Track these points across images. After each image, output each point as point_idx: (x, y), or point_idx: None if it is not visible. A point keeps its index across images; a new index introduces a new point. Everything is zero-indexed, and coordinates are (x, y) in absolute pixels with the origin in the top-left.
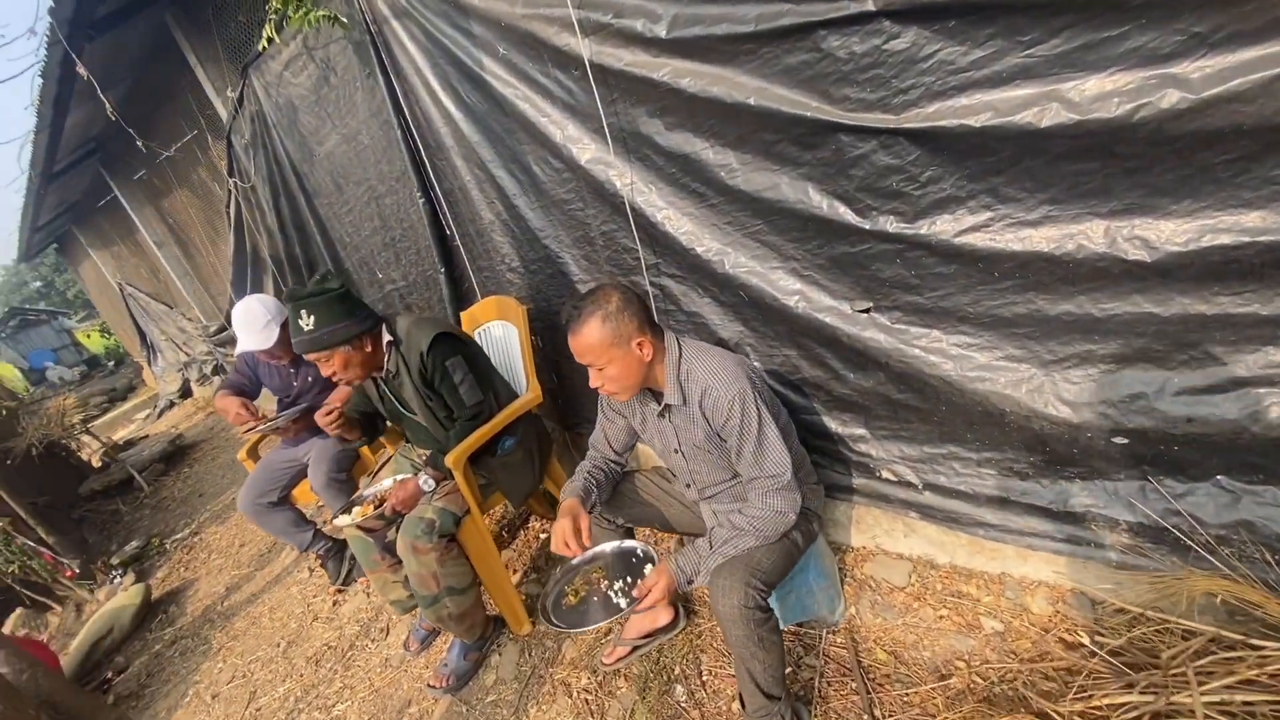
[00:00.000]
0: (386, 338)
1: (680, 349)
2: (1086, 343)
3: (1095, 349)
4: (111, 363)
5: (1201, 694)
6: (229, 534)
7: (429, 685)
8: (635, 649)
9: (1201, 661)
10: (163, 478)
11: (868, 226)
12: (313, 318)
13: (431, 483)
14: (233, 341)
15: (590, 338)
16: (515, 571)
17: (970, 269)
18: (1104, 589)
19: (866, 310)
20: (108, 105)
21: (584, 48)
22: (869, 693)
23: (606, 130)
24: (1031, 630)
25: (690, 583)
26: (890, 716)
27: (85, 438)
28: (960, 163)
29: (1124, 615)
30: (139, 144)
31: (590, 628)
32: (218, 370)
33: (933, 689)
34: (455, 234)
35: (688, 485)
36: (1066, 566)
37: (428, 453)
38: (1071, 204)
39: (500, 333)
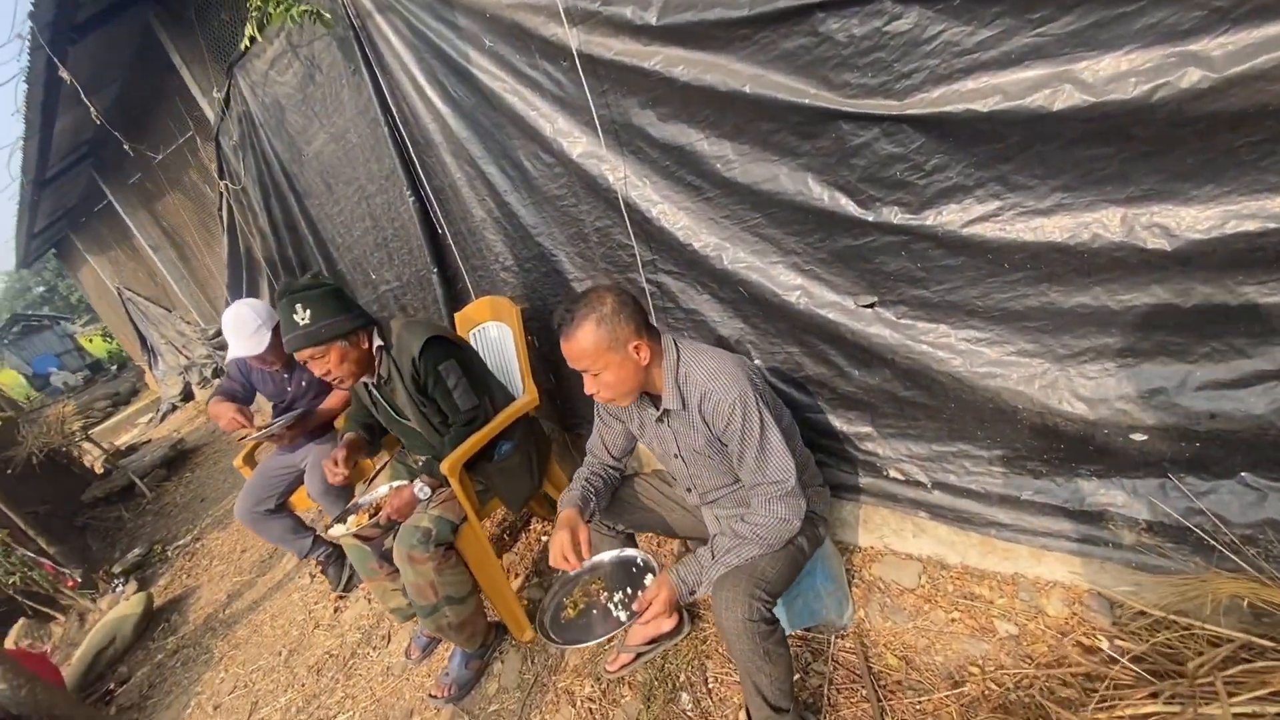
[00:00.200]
0: (378, 342)
1: (678, 351)
2: (1103, 336)
3: (1112, 342)
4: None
5: (1231, 706)
6: (231, 539)
7: (431, 695)
8: (639, 656)
9: (1230, 671)
10: (165, 483)
11: (871, 218)
12: (308, 311)
13: (427, 490)
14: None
15: (584, 342)
16: (517, 576)
17: (979, 261)
18: (1123, 590)
19: (871, 305)
20: (92, 110)
21: (572, 37)
22: (880, 700)
23: (598, 123)
24: (1047, 634)
25: (692, 594)
26: None
27: (87, 444)
28: (967, 149)
29: (1145, 618)
30: (127, 148)
31: (590, 643)
32: (218, 373)
33: (946, 696)
34: (447, 232)
35: (689, 490)
36: (1083, 567)
37: (423, 459)
38: (1085, 191)
39: (495, 334)
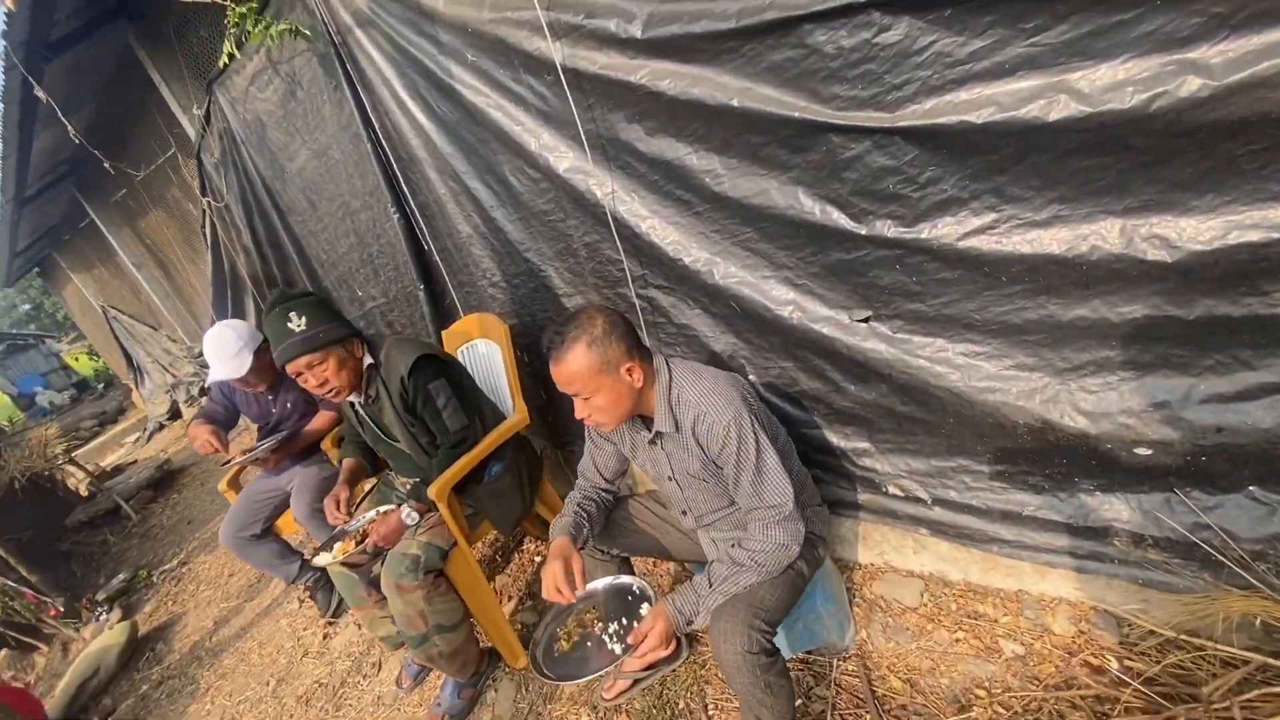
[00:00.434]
0: (368, 359)
1: (670, 372)
2: (1103, 349)
3: (1113, 355)
4: (101, 385)
5: None
6: (217, 563)
7: None
8: (636, 682)
9: (1247, 695)
10: (151, 505)
11: (864, 232)
12: (303, 318)
13: (415, 516)
14: None
15: (576, 365)
16: (509, 599)
17: (975, 274)
18: (1130, 608)
19: (865, 319)
20: (70, 128)
21: (556, 51)
22: None
23: (584, 137)
24: (1055, 653)
25: (689, 624)
26: None
27: (70, 467)
28: (961, 161)
29: (1155, 638)
30: (106, 166)
31: (584, 679)
32: (205, 392)
33: None
34: (433, 249)
35: (684, 513)
36: (1089, 584)
37: (410, 482)
38: (1083, 202)
39: (484, 351)
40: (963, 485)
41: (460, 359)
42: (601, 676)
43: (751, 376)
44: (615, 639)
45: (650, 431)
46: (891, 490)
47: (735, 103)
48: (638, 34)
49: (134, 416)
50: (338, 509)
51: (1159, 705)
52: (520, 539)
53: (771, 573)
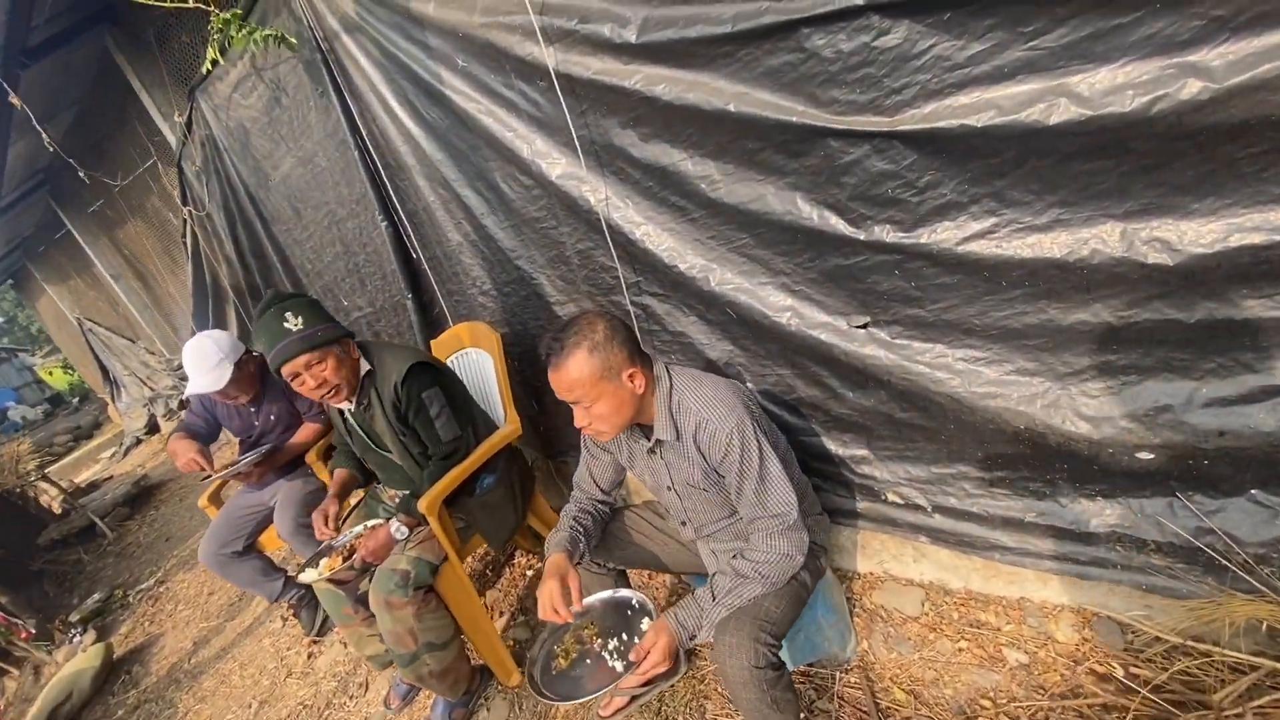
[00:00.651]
0: (366, 366)
1: (671, 378)
2: (1104, 353)
3: (1114, 359)
4: (76, 399)
5: None
6: (196, 581)
7: None
8: (634, 699)
9: (1259, 701)
10: (127, 522)
11: (862, 237)
12: (300, 318)
13: (405, 530)
14: None
15: (576, 372)
16: (501, 615)
17: (975, 278)
18: (1135, 615)
19: (864, 325)
20: (44, 135)
21: (549, 56)
22: None
23: (577, 143)
24: (1059, 661)
25: (692, 639)
26: None
27: (43, 484)
28: (961, 166)
29: (1161, 644)
30: (82, 175)
31: (585, 699)
32: (184, 405)
33: None
34: (422, 257)
35: (683, 524)
36: (1091, 591)
37: (399, 494)
38: (1083, 206)
39: (475, 360)
40: (963, 492)
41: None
42: (603, 695)
43: (748, 384)
44: (616, 655)
45: (649, 440)
46: (891, 498)
47: (731, 108)
48: (632, 39)
49: (110, 431)
50: (326, 524)
51: (1169, 713)
52: (511, 552)
53: (776, 584)
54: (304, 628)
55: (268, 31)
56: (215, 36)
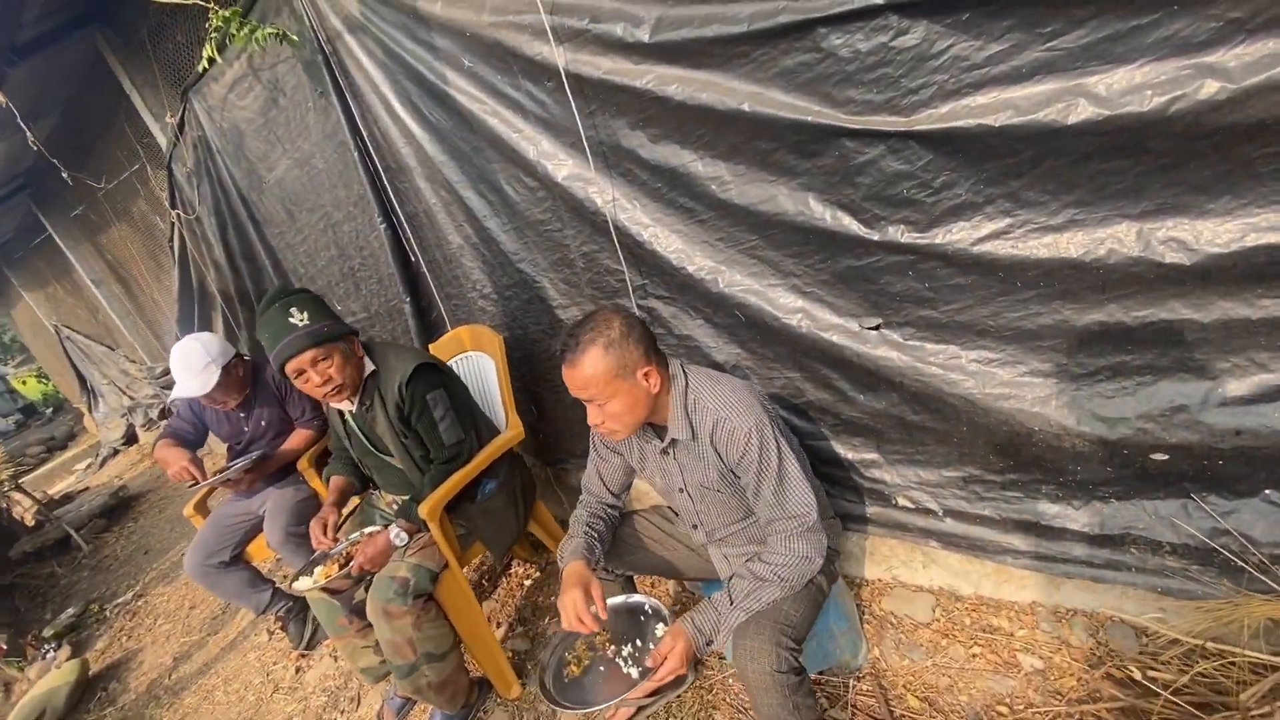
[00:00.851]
0: (370, 367)
1: (686, 377)
2: (1119, 354)
3: (1129, 360)
4: (50, 410)
5: None
6: (177, 595)
7: None
8: (641, 710)
9: None
10: (104, 534)
11: (876, 238)
12: (305, 313)
13: (404, 536)
14: None
15: (592, 369)
16: (499, 625)
17: (989, 279)
18: (1150, 618)
19: (876, 327)
20: (29, 134)
21: (559, 56)
22: None
23: (585, 144)
24: (1075, 666)
25: (709, 644)
26: None
27: (16, 494)
28: (977, 166)
29: (1178, 646)
30: (65, 175)
31: (603, 706)
32: (165, 414)
33: None
34: (420, 260)
35: (694, 527)
36: (1105, 594)
37: (396, 500)
38: (1099, 206)
39: (475, 364)
40: (975, 495)
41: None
42: (617, 704)
43: (758, 387)
44: (630, 662)
45: (662, 440)
46: (901, 502)
47: (745, 108)
48: (645, 38)
49: (85, 442)
50: (325, 533)
51: (1192, 716)
52: (508, 562)
53: (795, 587)
54: (292, 641)
55: (269, 29)
56: (213, 35)
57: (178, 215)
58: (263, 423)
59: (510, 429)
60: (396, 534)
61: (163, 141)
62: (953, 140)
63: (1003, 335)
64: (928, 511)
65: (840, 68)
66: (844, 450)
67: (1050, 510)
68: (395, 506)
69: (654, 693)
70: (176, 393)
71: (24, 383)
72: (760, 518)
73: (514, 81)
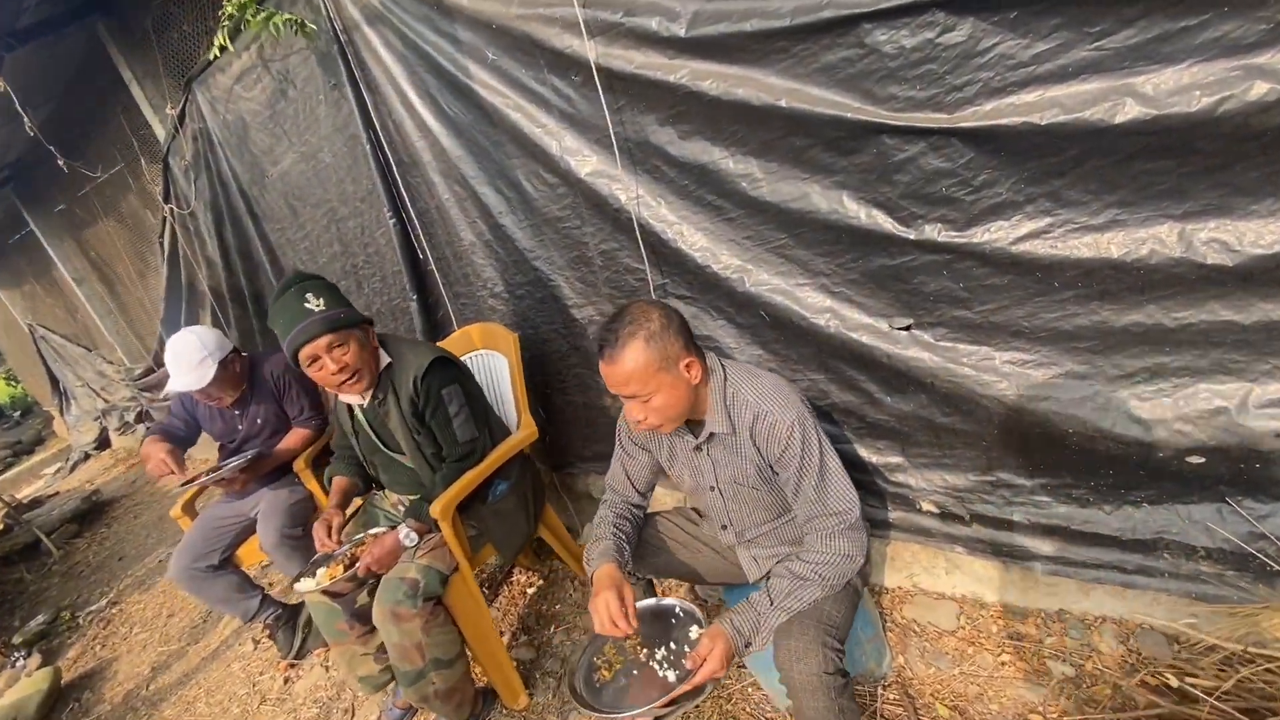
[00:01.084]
0: (386, 359)
1: (724, 370)
2: (1158, 355)
3: (1168, 361)
4: (17, 413)
5: None
6: (155, 602)
7: None
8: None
9: None
10: (75, 540)
11: (912, 236)
12: (321, 299)
13: (414, 537)
14: (159, 385)
15: (634, 363)
16: (502, 634)
17: (1027, 279)
18: (1183, 624)
19: (906, 327)
20: (26, 119)
21: (590, 50)
22: None
23: (613, 140)
24: (1107, 674)
25: (748, 645)
26: None
27: None
28: (1019, 165)
29: (1216, 653)
30: (62, 163)
31: (641, 710)
32: (141, 418)
33: None
34: (430, 258)
35: (724, 527)
36: (1135, 600)
37: (401, 500)
38: (1141, 206)
39: (486, 362)
40: (1002, 500)
41: None
42: (662, 709)
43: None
44: (666, 665)
45: (697, 436)
46: (925, 507)
47: (782, 103)
48: (681, 32)
49: (55, 446)
50: (329, 535)
51: None
52: (510, 570)
53: (835, 586)
54: (280, 650)
55: (286, 16)
56: (226, 22)
57: (170, 210)
58: (259, 420)
59: (523, 429)
60: (406, 534)
61: (160, 134)
62: (996, 138)
63: (1038, 336)
64: (953, 516)
65: (883, 64)
66: (868, 454)
67: (1080, 515)
68: (400, 507)
69: (671, 703)
70: (171, 387)
71: None
72: (799, 515)
73: (539, 75)
